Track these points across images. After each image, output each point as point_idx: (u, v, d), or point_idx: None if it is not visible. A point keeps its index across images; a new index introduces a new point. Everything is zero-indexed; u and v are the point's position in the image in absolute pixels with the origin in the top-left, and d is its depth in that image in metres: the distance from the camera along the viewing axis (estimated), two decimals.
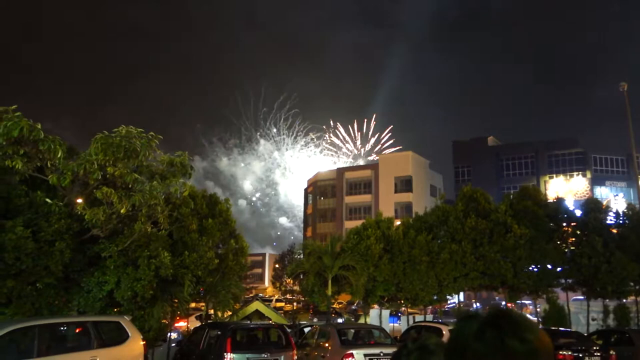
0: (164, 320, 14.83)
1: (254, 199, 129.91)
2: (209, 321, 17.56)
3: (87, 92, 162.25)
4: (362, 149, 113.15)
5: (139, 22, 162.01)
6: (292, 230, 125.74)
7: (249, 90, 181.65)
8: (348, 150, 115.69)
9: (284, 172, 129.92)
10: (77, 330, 10.49)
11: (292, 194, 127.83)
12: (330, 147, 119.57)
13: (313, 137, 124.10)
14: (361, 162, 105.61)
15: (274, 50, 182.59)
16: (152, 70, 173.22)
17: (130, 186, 12.28)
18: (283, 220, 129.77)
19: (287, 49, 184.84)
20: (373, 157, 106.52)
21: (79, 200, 12.59)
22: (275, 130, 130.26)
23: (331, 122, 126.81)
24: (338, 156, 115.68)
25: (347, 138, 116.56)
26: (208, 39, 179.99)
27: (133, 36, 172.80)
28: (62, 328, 10.43)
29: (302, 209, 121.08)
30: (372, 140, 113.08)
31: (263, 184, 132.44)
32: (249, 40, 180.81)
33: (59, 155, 11.68)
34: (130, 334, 10.40)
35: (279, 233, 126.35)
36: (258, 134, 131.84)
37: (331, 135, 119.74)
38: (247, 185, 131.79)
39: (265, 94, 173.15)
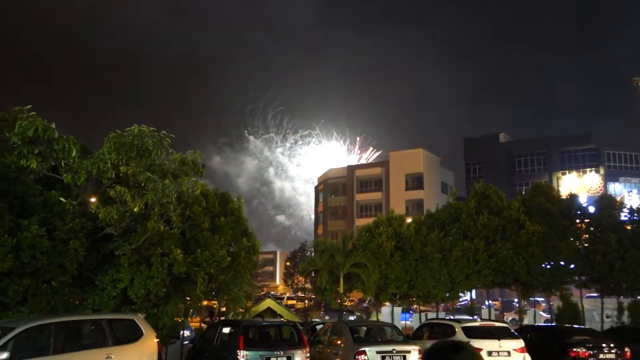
0: (177, 318, 14.92)
1: (250, 197, 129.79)
2: (221, 318, 17.65)
3: (73, 89, 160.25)
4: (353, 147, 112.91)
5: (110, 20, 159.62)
6: (292, 228, 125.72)
7: (236, 88, 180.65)
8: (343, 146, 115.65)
9: (276, 170, 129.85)
10: (92, 328, 10.59)
11: (288, 191, 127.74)
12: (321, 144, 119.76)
13: (302, 134, 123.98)
14: (352, 159, 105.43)
15: (261, 48, 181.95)
16: (134, 70, 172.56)
17: (142, 185, 12.37)
18: (281, 218, 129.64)
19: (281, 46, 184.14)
20: (358, 154, 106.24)
21: (93, 199, 12.70)
22: (263, 128, 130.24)
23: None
24: (336, 153, 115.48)
25: (338, 136, 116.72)
26: (192, 35, 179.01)
27: (113, 35, 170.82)
28: (77, 326, 10.52)
29: (300, 207, 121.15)
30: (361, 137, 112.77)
31: (257, 182, 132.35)
32: (234, 38, 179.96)
33: (73, 155, 11.79)
34: (144, 332, 10.47)
35: (279, 231, 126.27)
36: (246, 131, 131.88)
37: (322, 133, 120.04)
38: (242, 183, 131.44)
39: (251, 91, 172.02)
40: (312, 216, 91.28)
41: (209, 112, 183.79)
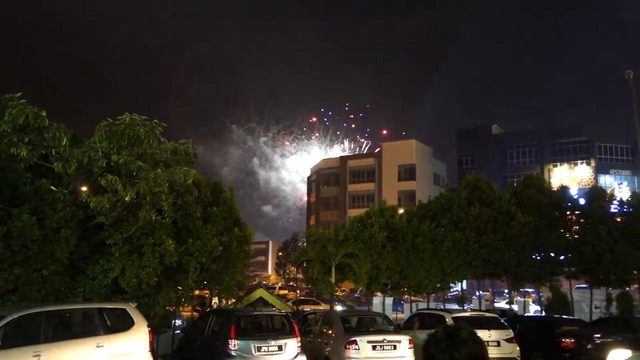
0: (169, 307, 14.91)
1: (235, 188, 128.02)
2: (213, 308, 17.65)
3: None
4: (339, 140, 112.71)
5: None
6: (279, 218, 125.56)
7: (216, 75, 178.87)
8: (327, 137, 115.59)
9: (260, 160, 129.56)
10: (83, 317, 10.57)
11: (273, 182, 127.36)
12: (305, 136, 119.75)
13: (284, 124, 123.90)
14: (338, 149, 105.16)
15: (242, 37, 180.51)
16: (115, 57, 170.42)
17: (134, 174, 12.28)
18: (267, 208, 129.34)
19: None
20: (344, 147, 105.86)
21: (84, 188, 12.62)
22: (245, 117, 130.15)
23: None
24: (322, 144, 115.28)
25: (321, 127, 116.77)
26: (170, 26, 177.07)
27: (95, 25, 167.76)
28: (68, 315, 10.50)
29: (286, 198, 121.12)
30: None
31: (242, 173, 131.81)
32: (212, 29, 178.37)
33: (63, 143, 11.68)
34: (135, 321, 10.46)
35: (266, 222, 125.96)
36: (227, 120, 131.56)
37: (307, 124, 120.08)
38: (227, 173, 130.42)
39: (233, 79, 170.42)
40: (300, 206, 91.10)
41: (191, 101, 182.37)
